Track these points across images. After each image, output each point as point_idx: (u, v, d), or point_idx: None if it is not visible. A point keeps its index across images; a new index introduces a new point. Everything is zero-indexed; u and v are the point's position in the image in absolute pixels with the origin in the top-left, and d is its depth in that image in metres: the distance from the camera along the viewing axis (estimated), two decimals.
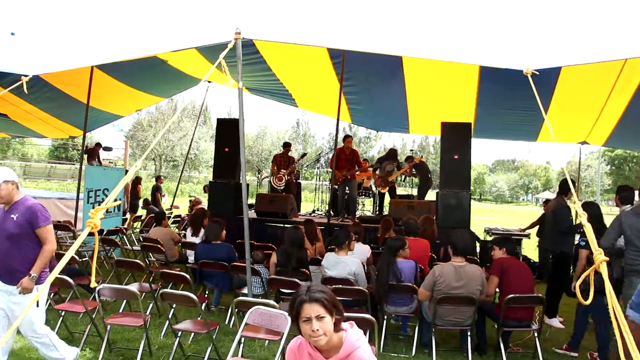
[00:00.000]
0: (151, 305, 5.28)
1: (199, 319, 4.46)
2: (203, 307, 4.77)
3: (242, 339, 3.70)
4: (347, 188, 9.59)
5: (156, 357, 4.32)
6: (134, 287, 4.38)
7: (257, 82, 9.01)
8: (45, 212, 3.58)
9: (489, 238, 9.34)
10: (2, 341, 3.08)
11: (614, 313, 2.11)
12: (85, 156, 11.36)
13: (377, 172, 10.69)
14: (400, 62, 6.79)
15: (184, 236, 7.92)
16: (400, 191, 12.71)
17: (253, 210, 9.15)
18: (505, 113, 8.26)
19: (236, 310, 4.07)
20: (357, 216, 9.96)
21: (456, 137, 7.93)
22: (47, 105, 8.77)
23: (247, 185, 5.22)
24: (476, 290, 4.42)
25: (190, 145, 16.90)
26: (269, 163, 15.05)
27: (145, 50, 5.18)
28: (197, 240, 6.55)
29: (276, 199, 9.13)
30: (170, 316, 4.55)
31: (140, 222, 11.21)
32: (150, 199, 13.15)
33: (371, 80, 7.98)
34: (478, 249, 8.15)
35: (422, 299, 4.65)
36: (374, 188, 11.32)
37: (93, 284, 2.49)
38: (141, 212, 12.83)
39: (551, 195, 44.23)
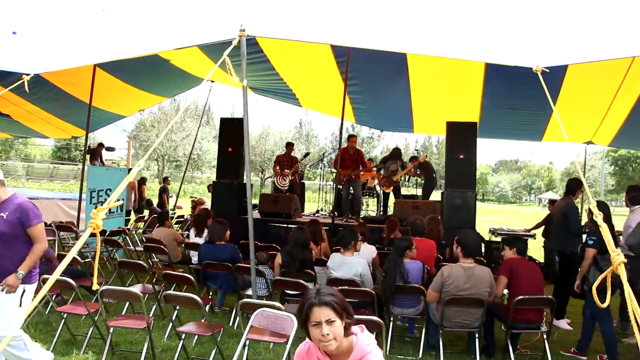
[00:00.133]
0: (154, 307, 5.23)
1: (203, 321, 4.39)
2: (207, 308, 4.71)
3: (247, 342, 3.64)
4: (351, 188, 9.53)
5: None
6: (136, 289, 4.32)
7: (261, 81, 8.95)
8: (36, 210, 3.46)
9: (494, 239, 9.28)
10: None
11: (634, 315, 2.09)
12: (88, 156, 11.32)
13: (382, 172, 10.62)
14: (405, 61, 6.72)
15: (187, 237, 7.88)
16: (404, 191, 12.64)
17: (257, 211, 9.10)
18: (511, 112, 8.19)
19: (241, 312, 4.00)
20: (361, 216, 9.89)
21: (462, 137, 7.89)
22: (50, 105, 8.75)
23: (251, 185, 5.16)
24: (485, 292, 4.35)
25: (193, 145, 16.93)
26: (271, 163, 14.98)
27: (148, 49, 5.14)
28: (200, 240, 6.50)
29: (280, 199, 9.09)
30: (173, 318, 4.49)
31: (143, 223, 11.17)
32: (155, 200, 13.12)
33: (375, 80, 7.91)
34: (483, 250, 8.08)
35: (431, 300, 4.58)
36: (378, 188, 11.25)
37: (95, 287, 2.43)
38: (144, 212, 12.79)
39: (554, 195, 44.08)
